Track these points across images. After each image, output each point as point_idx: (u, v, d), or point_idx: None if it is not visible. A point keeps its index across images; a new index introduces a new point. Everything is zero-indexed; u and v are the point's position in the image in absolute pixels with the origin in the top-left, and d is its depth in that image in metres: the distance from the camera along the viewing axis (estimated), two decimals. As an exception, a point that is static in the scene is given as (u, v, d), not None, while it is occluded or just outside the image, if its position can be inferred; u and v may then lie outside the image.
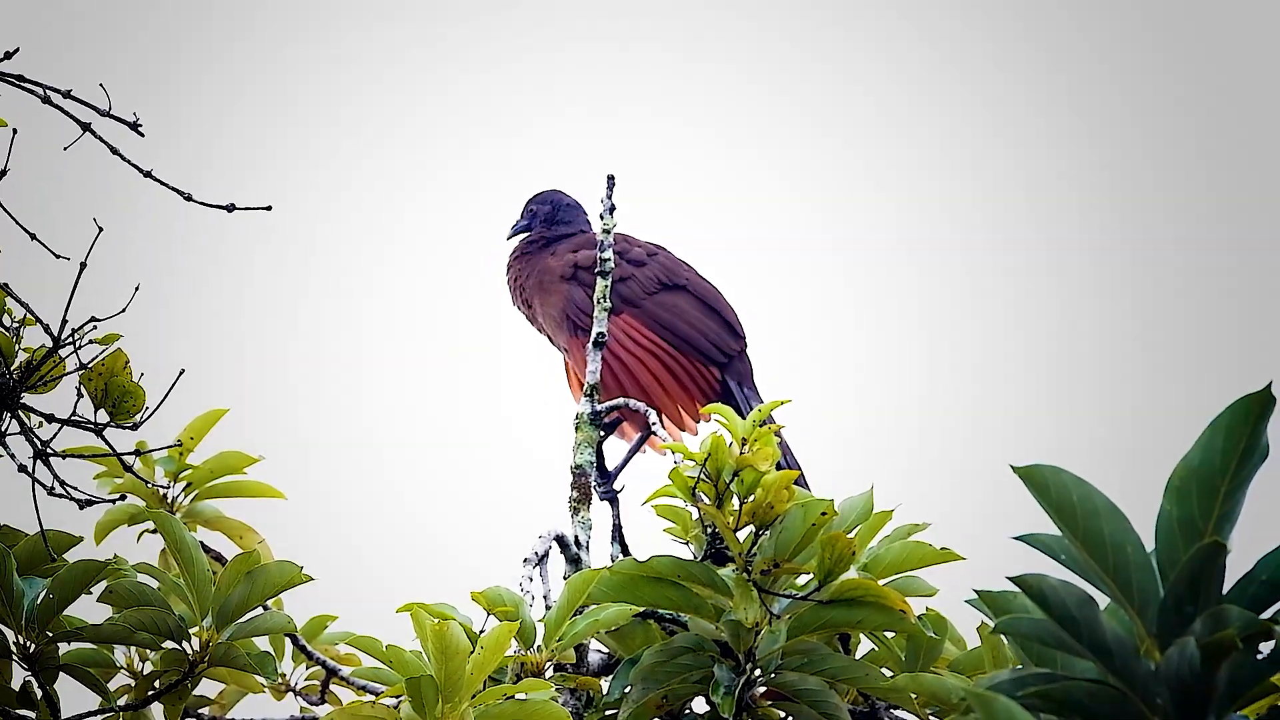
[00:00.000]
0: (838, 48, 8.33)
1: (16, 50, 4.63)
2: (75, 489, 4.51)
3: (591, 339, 5.14)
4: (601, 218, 5.26)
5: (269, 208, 4.74)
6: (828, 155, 8.19)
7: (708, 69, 8.29)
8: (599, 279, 5.18)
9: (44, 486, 4.47)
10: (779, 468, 4.37)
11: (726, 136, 8.18)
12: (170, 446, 5.14)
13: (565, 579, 4.47)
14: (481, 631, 4.30)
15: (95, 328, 4.46)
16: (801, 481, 5.27)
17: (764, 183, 8.07)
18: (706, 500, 4.32)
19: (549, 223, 5.78)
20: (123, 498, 5.14)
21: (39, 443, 4.47)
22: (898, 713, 4.55)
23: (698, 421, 5.50)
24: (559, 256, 5.57)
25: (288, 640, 5.12)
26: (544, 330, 5.62)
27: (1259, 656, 3.16)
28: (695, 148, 8.07)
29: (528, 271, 5.64)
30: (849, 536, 4.20)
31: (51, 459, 4.48)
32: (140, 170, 4.69)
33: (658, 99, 8.15)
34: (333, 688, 5.24)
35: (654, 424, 5.03)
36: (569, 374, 5.69)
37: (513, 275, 5.67)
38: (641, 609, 4.38)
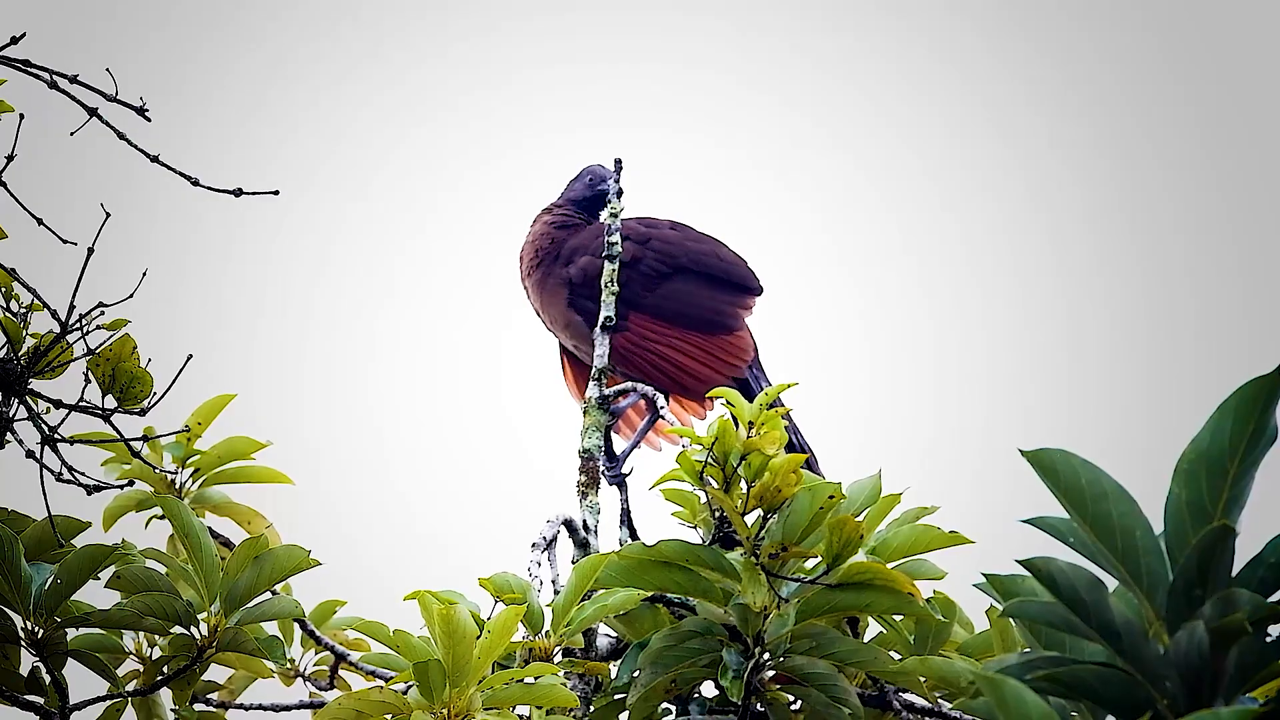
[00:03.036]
0: (844, 53, 8.32)
1: (23, 35, 4.63)
2: (83, 474, 4.51)
3: (599, 323, 5.14)
4: (609, 202, 5.26)
5: (276, 192, 4.73)
6: (836, 155, 8.18)
7: (717, 76, 8.29)
8: (606, 262, 5.18)
9: (52, 472, 4.47)
10: (787, 450, 4.37)
11: (735, 140, 8.18)
12: (178, 432, 5.14)
13: (573, 563, 4.47)
14: (489, 617, 4.30)
15: (103, 313, 4.46)
16: (813, 464, 5.27)
17: (775, 180, 8.08)
18: (714, 484, 4.31)
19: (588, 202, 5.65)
20: (131, 483, 5.14)
21: (47, 428, 4.47)
22: (906, 696, 4.55)
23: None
24: (559, 271, 5.45)
25: (297, 625, 5.13)
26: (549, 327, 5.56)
27: (1268, 639, 3.16)
28: (710, 151, 8.07)
29: (536, 274, 5.54)
30: (857, 520, 4.20)
31: (59, 445, 4.48)
32: (147, 155, 4.69)
33: (670, 105, 8.15)
34: (342, 673, 5.24)
35: (662, 408, 5.02)
36: (565, 371, 5.65)
37: (524, 268, 5.59)
38: (650, 593, 4.38)
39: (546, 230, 5.56)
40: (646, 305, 5.34)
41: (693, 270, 5.38)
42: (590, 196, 5.57)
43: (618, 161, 5.35)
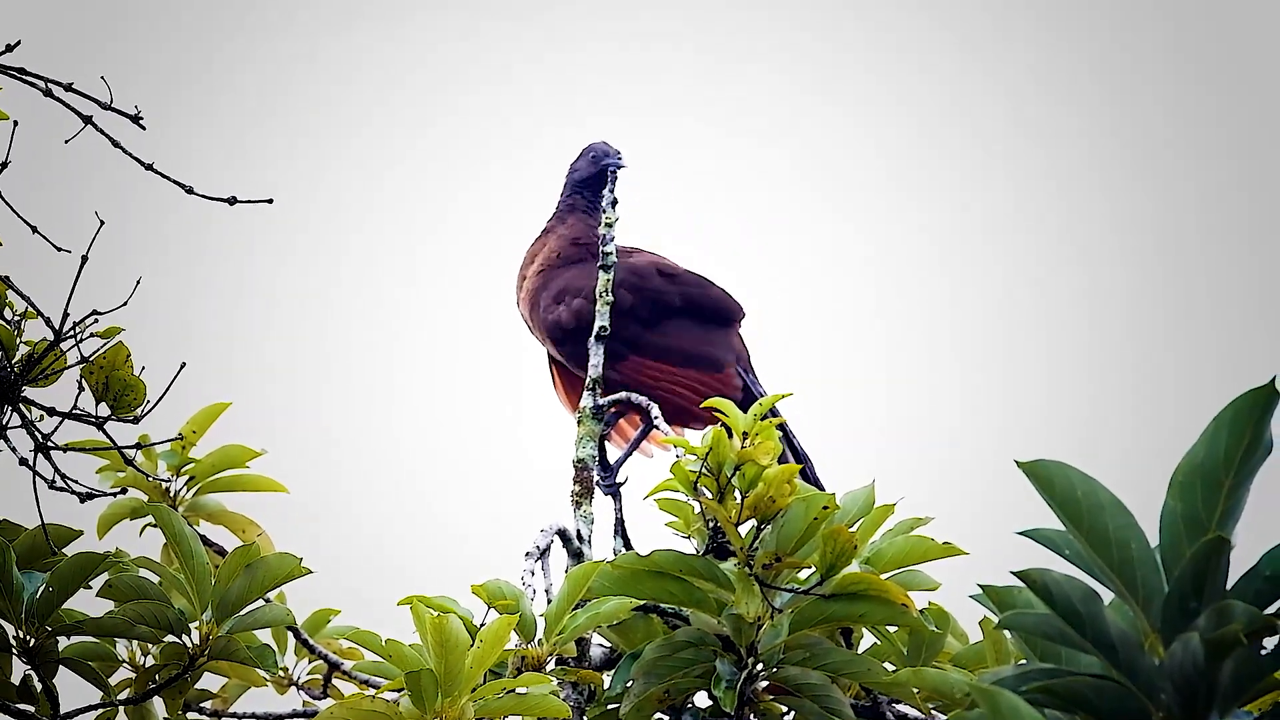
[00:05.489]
0: (862, 46, 8.33)
1: (18, 43, 4.63)
2: (77, 482, 4.50)
3: (594, 333, 5.13)
4: (604, 211, 5.26)
5: (270, 201, 4.73)
6: (850, 149, 8.19)
7: (733, 69, 8.29)
8: (600, 273, 5.18)
9: (45, 480, 4.46)
10: (781, 461, 4.36)
11: (750, 132, 8.19)
12: (172, 440, 5.14)
13: (567, 573, 4.46)
14: (482, 625, 4.29)
15: (96, 321, 4.45)
16: (809, 472, 5.27)
17: (781, 176, 8.07)
18: (708, 494, 4.31)
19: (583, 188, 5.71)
20: (124, 491, 5.14)
21: (40, 436, 4.47)
22: (900, 707, 4.54)
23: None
24: (552, 306, 5.48)
25: (290, 634, 5.12)
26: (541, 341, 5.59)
27: (1263, 652, 3.15)
28: (720, 146, 8.07)
29: (531, 289, 5.56)
30: (851, 531, 4.19)
31: (53, 452, 4.48)
32: (142, 163, 4.68)
33: (683, 100, 8.15)
34: (336, 682, 5.24)
35: (656, 418, 5.02)
36: (555, 381, 5.67)
37: (524, 293, 5.61)
38: (643, 603, 4.37)
39: (550, 246, 5.58)
40: (644, 347, 5.40)
41: (685, 311, 5.47)
42: (596, 173, 5.63)
43: (612, 172, 5.35)
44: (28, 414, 4.48)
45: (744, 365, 5.48)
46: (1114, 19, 8.34)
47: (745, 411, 4.38)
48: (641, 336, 5.42)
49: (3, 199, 4.57)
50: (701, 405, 5.43)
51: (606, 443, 5.28)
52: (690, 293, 5.51)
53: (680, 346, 5.46)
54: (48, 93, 4.66)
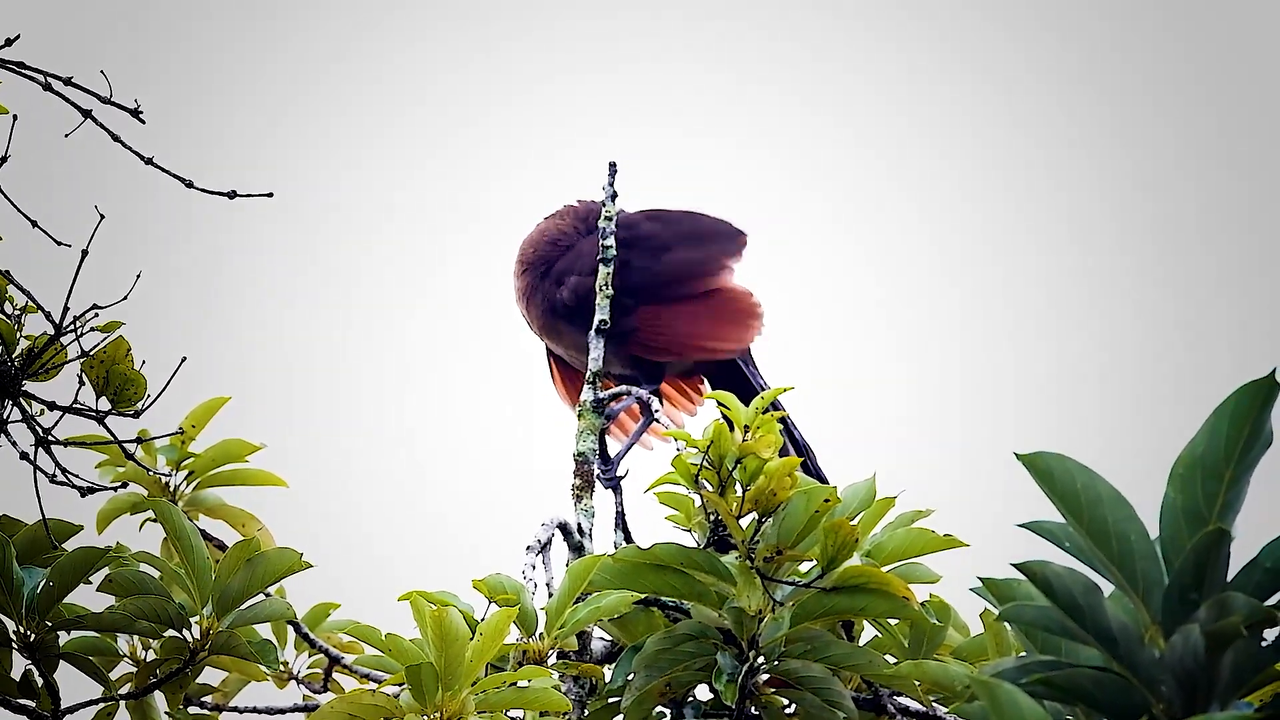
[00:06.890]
0: (860, 47, 8.33)
1: (17, 37, 4.63)
2: (77, 477, 4.50)
3: (594, 326, 5.13)
4: (604, 204, 5.25)
5: (270, 194, 4.73)
6: (850, 149, 8.19)
7: (735, 69, 8.29)
8: (600, 265, 5.18)
9: (46, 474, 4.46)
10: (782, 454, 4.37)
11: (753, 133, 8.19)
12: (172, 434, 5.13)
13: (568, 566, 4.46)
14: (482, 619, 4.29)
15: (97, 315, 4.45)
16: (812, 465, 5.27)
17: (784, 173, 8.08)
18: (709, 487, 4.31)
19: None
20: (124, 486, 5.14)
21: (40, 430, 4.47)
22: (901, 699, 4.54)
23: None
24: (549, 290, 5.45)
25: (290, 628, 5.12)
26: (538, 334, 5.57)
27: (1263, 644, 3.15)
28: (721, 146, 8.07)
29: (524, 285, 5.54)
30: (852, 523, 4.19)
31: (53, 447, 4.48)
32: (141, 157, 4.68)
33: (686, 102, 8.15)
34: (336, 676, 5.24)
35: (657, 411, 5.02)
36: (554, 376, 5.66)
37: (515, 272, 5.60)
38: (644, 596, 4.37)
39: (539, 238, 5.56)
40: (646, 295, 5.35)
41: (678, 245, 5.41)
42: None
43: (612, 165, 5.34)
44: (28, 408, 4.48)
45: (750, 362, 5.46)
46: (1115, 16, 8.34)
47: (747, 404, 4.38)
48: (643, 286, 5.37)
49: (2, 193, 4.57)
50: (705, 396, 5.45)
51: (607, 436, 5.27)
52: (681, 228, 5.43)
53: (680, 275, 5.39)
54: (47, 87, 4.66)
